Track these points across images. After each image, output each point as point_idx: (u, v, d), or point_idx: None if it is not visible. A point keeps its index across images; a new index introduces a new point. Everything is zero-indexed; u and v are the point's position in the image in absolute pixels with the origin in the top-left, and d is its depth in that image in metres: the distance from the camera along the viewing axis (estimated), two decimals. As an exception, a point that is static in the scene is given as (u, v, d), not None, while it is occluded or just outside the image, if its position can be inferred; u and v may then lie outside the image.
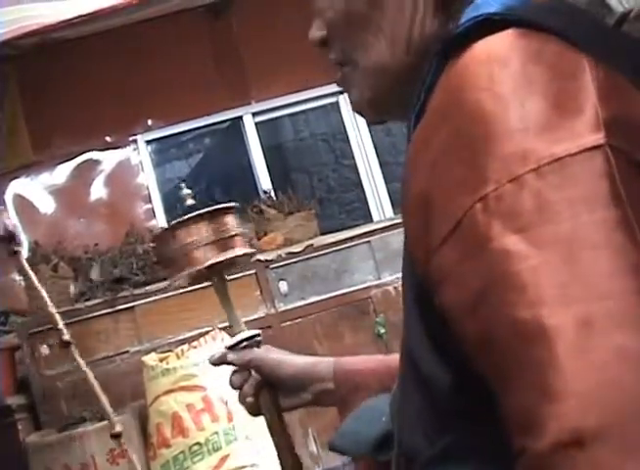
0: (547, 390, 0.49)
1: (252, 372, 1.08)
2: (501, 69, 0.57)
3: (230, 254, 1.09)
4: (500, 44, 0.59)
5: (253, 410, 1.09)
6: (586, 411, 0.47)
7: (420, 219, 0.60)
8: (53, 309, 2.25)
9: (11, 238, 2.17)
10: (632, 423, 0.47)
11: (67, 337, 2.28)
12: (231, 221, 1.12)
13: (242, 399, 1.09)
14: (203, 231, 1.08)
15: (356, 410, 0.95)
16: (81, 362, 2.29)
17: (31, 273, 2.30)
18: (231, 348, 1.10)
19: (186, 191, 1.16)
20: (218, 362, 1.12)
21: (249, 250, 1.13)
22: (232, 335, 1.12)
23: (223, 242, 1.09)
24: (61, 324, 2.29)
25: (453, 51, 0.62)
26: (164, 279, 3.77)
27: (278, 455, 1.09)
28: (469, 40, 0.60)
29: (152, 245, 3.90)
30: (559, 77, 0.56)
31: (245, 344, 1.09)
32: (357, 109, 0.79)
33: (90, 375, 2.28)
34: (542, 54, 0.57)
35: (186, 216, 1.09)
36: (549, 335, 0.50)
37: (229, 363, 1.09)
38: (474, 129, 0.57)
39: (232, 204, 1.14)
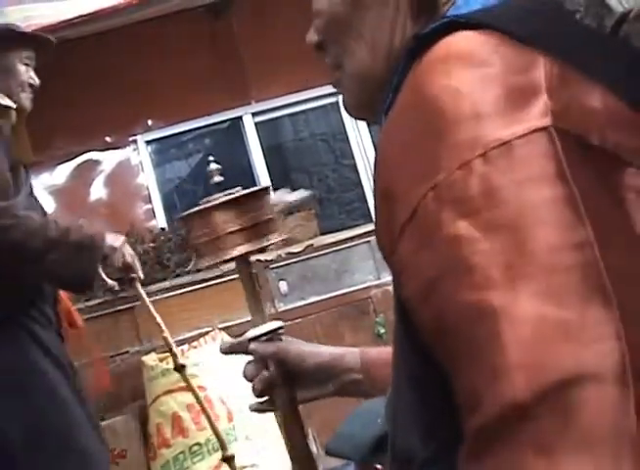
0: (490, 367, 0.50)
1: (269, 366, 1.05)
2: (459, 65, 0.59)
3: (263, 242, 1.05)
4: (459, 42, 0.61)
5: (266, 407, 1.08)
6: (526, 385, 0.48)
7: (385, 211, 0.63)
8: (167, 335, 2.29)
9: (128, 268, 2.20)
10: (568, 396, 0.47)
11: (180, 361, 2.37)
12: (261, 206, 1.06)
13: (254, 393, 1.08)
14: (232, 216, 1.03)
15: (352, 414, 0.95)
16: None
17: (147, 299, 2.33)
18: (253, 339, 1.06)
19: (214, 166, 1.10)
20: (229, 351, 1.10)
21: (278, 238, 1.08)
22: (254, 325, 1.08)
23: (253, 229, 1.04)
24: (174, 349, 2.34)
25: (420, 51, 0.64)
26: (165, 279, 3.78)
27: (291, 455, 1.06)
28: (435, 41, 0.63)
29: (152, 245, 3.89)
30: (512, 73, 0.58)
31: (268, 337, 1.06)
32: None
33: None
34: (498, 51, 0.59)
35: (219, 200, 1.04)
36: (494, 315, 0.51)
37: (249, 353, 1.07)
38: (430, 122, 0.58)
39: (265, 185, 1.08)
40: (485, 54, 0.59)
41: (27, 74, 2.23)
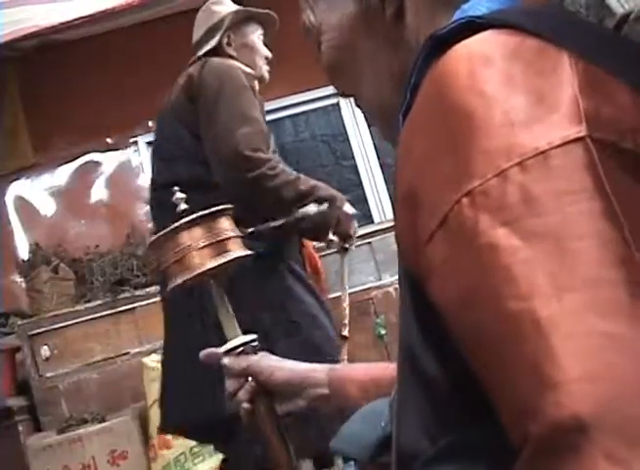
0: (544, 378, 0.50)
1: (249, 378, 1.08)
2: (482, 66, 0.58)
3: (223, 258, 1.07)
4: (480, 43, 0.60)
5: (249, 417, 1.09)
6: (584, 397, 0.48)
7: (408, 216, 0.61)
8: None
9: (348, 238, 2.51)
10: (629, 408, 0.47)
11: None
12: (225, 224, 1.09)
13: (236, 406, 1.09)
14: (197, 235, 1.06)
15: (356, 414, 0.95)
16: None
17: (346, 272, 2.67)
18: (227, 352, 1.09)
19: (179, 195, 1.13)
20: (205, 360, 1.11)
21: (243, 252, 1.10)
22: (227, 339, 1.10)
23: (217, 245, 1.07)
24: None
25: (437, 52, 0.63)
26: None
27: (273, 464, 1.08)
28: (452, 42, 0.62)
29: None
30: (539, 73, 0.57)
31: (241, 349, 1.09)
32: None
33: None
34: (521, 51, 0.59)
35: (179, 222, 1.06)
36: (542, 326, 0.50)
37: (244, 345, 1.09)
38: (457, 126, 0.58)
39: (226, 206, 1.12)
40: (509, 55, 0.58)
41: (264, 49, 2.62)
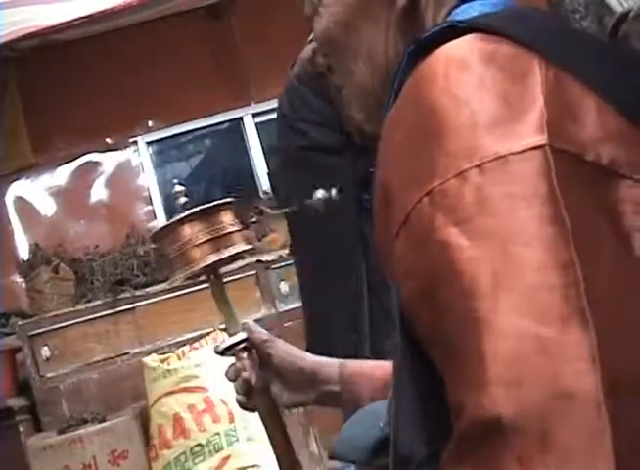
0: (472, 378, 0.51)
1: (247, 367, 1.07)
2: (457, 70, 0.60)
3: (225, 252, 1.06)
4: (458, 47, 0.62)
5: (245, 407, 1.10)
6: (506, 400, 0.49)
7: (382, 212, 0.63)
8: None
9: None
10: (548, 414, 0.48)
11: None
12: (227, 218, 1.09)
13: (237, 394, 1.09)
14: (198, 229, 1.05)
15: (354, 416, 0.95)
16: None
17: None
18: (228, 348, 1.08)
19: (179, 188, 1.12)
20: (220, 352, 1.11)
21: (244, 247, 1.10)
22: (230, 335, 1.10)
23: (219, 240, 1.06)
24: None
25: (420, 55, 0.65)
26: (165, 280, 3.77)
27: (276, 456, 1.09)
28: (434, 45, 0.63)
29: (152, 246, 3.90)
30: (510, 78, 0.59)
31: (242, 345, 1.08)
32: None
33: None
34: (496, 56, 0.60)
35: (181, 215, 1.06)
36: (477, 325, 0.52)
37: (241, 342, 1.08)
38: (427, 126, 0.59)
39: (228, 199, 1.11)
40: (484, 60, 0.60)
41: None
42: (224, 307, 1.12)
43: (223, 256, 1.06)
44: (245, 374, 1.07)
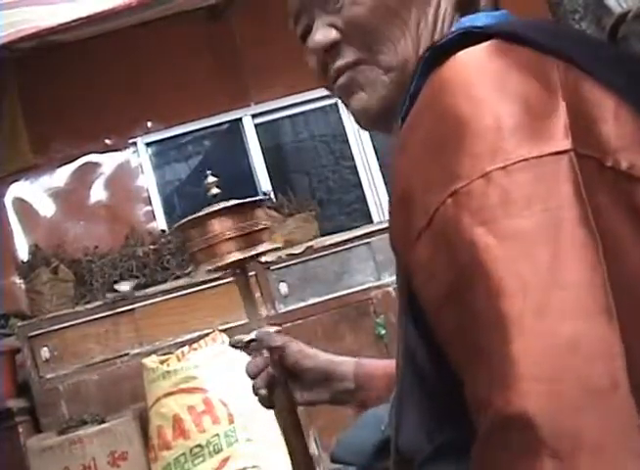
0: (499, 374, 0.51)
1: (271, 365, 1.08)
2: (477, 74, 0.61)
3: (251, 251, 1.07)
4: (478, 53, 0.63)
5: (266, 403, 1.10)
6: (535, 396, 0.49)
7: (401, 214, 0.63)
8: None
9: None
10: (577, 410, 0.49)
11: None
12: (257, 216, 1.09)
13: (254, 391, 1.10)
14: (228, 224, 1.06)
15: (358, 419, 0.96)
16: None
17: None
18: (249, 343, 1.09)
19: (211, 179, 1.12)
20: (236, 344, 1.12)
21: (272, 245, 1.11)
22: (251, 329, 1.11)
23: (248, 237, 1.07)
24: None
25: (436, 61, 0.65)
26: (165, 281, 3.78)
27: (290, 454, 1.09)
28: (452, 50, 0.64)
29: (151, 247, 3.89)
30: (531, 83, 0.59)
31: (254, 343, 1.09)
32: (363, 111, 0.79)
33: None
34: (516, 61, 0.61)
35: (214, 208, 1.06)
36: (505, 324, 0.52)
37: (253, 341, 1.09)
38: (449, 129, 0.60)
39: (261, 197, 1.11)
40: (505, 64, 0.61)
41: None
42: (248, 303, 1.12)
43: (250, 253, 1.07)
44: (269, 370, 1.08)
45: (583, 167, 0.56)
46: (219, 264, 1.06)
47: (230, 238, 1.06)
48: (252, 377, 1.09)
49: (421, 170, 0.61)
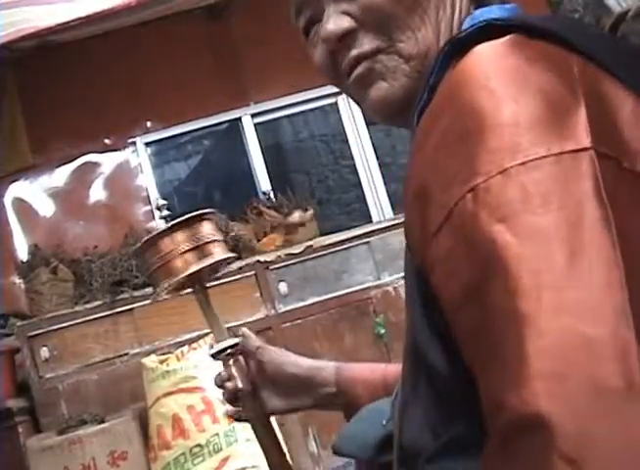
0: (513, 373, 0.51)
1: (236, 374, 1.08)
2: (498, 68, 0.60)
3: (206, 261, 1.07)
4: (499, 46, 0.62)
5: (231, 415, 1.10)
6: (548, 395, 0.49)
7: (418, 210, 0.63)
8: None
9: None
10: (589, 410, 0.48)
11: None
12: (207, 228, 1.09)
13: (223, 402, 1.10)
14: (179, 240, 1.06)
15: (358, 413, 0.96)
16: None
17: None
18: (214, 355, 1.09)
19: (161, 202, 1.14)
20: (216, 355, 1.11)
21: (225, 255, 1.11)
22: (216, 341, 1.11)
23: (200, 249, 1.07)
24: None
25: (456, 53, 0.64)
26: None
27: (268, 464, 1.09)
28: (471, 44, 0.63)
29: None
30: (551, 78, 0.59)
31: (228, 351, 1.09)
32: (384, 101, 0.76)
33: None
34: (537, 56, 0.60)
35: (162, 227, 1.08)
36: (520, 322, 0.52)
37: (232, 346, 1.09)
38: (468, 123, 0.59)
39: (208, 210, 1.12)
40: (525, 59, 0.60)
41: None
42: (210, 316, 1.13)
43: (204, 264, 1.07)
44: (229, 384, 1.08)
45: (602, 166, 0.55)
46: (178, 278, 1.06)
47: (182, 253, 1.06)
48: (219, 387, 1.10)
49: (440, 165, 0.61)
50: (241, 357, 1.10)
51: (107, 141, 4.48)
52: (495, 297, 0.54)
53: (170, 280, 1.06)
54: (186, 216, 1.08)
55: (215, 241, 1.10)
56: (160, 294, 1.09)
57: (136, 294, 3.71)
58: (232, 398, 1.09)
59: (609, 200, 0.54)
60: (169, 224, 1.07)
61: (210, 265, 1.08)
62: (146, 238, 1.08)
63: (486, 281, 0.55)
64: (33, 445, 3.40)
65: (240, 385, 1.07)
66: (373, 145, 4.57)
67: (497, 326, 0.53)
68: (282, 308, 3.76)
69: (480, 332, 0.55)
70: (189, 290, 1.13)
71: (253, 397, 1.08)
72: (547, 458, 0.48)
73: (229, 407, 1.10)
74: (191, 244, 1.07)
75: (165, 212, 1.11)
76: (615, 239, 0.53)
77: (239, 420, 1.12)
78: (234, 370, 1.09)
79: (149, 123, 4.50)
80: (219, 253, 1.10)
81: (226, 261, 1.12)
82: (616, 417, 0.48)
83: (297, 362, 1.09)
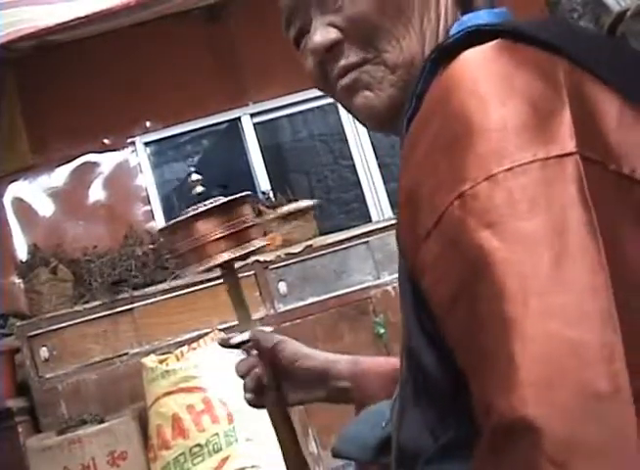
0: (502, 378, 0.51)
1: (260, 365, 1.07)
2: (485, 73, 0.60)
3: (243, 249, 1.05)
4: (486, 52, 0.62)
5: (253, 404, 1.10)
6: (535, 401, 0.49)
7: (409, 215, 0.64)
8: None
9: None
10: (577, 416, 0.48)
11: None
12: (244, 212, 1.07)
13: (245, 390, 1.10)
14: (215, 224, 1.04)
15: (360, 414, 0.96)
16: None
17: None
18: (241, 344, 1.08)
19: (195, 177, 1.10)
20: (227, 344, 1.10)
21: (261, 243, 1.09)
22: (241, 331, 1.09)
23: (236, 235, 1.05)
24: None
25: (444, 59, 0.65)
26: (164, 281, 3.77)
27: (283, 454, 1.08)
28: (459, 49, 0.63)
29: (150, 246, 3.89)
30: (537, 83, 0.59)
31: (249, 344, 1.08)
32: (370, 110, 0.78)
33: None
34: (523, 60, 0.60)
35: (199, 209, 1.05)
36: (507, 327, 0.52)
37: (247, 342, 1.08)
38: (456, 128, 0.59)
39: (246, 193, 1.09)
40: (512, 64, 0.60)
41: None
42: (238, 302, 1.11)
43: (241, 253, 1.05)
44: (257, 371, 1.07)
45: (587, 170, 0.55)
46: (208, 266, 1.04)
47: (218, 238, 1.04)
48: (242, 376, 1.09)
49: (429, 170, 0.61)
50: (257, 350, 1.09)
51: (106, 141, 4.48)
52: (483, 302, 0.54)
53: (202, 265, 1.04)
54: (225, 199, 1.06)
55: (252, 227, 1.08)
56: (189, 275, 1.06)
57: (136, 294, 3.71)
58: (255, 388, 1.08)
59: (594, 203, 0.54)
60: (207, 207, 1.05)
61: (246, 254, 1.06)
62: (180, 218, 1.06)
63: (474, 286, 0.55)
64: (33, 444, 3.40)
65: (265, 376, 1.06)
66: (372, 145, 4.57)
67: (485, 331, 0.54)
68: (281, 308, 3.76)
69: (469, 336, 0.56)
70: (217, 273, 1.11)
71: (276, 387, 1.08)
72: (535, 461, 0.48)
73: (248, 395, 1.09)
74: (227, 230, 1.04)
75: (200, 189, 1.09)
76: (600, 243, 0.53)
77: (256, 406, 1.11)
78: (258, 360, 1.07)
79: (148, 123, 4.50)
80: (255, 240, 1.07)
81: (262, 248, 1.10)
82: (602, 421, 0.48)
83: (313, 356, 1.09)
